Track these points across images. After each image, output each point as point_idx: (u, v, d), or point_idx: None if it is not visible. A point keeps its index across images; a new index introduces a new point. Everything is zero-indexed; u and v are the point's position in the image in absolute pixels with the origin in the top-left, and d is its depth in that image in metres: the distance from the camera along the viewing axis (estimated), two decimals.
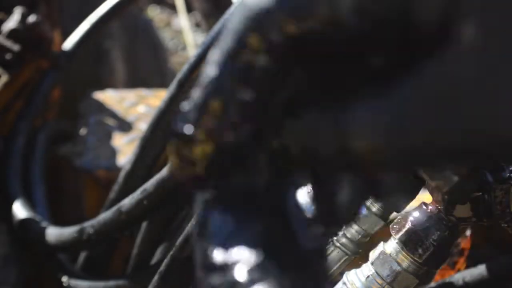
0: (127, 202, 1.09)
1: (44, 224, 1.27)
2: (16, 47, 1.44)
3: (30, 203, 1.35)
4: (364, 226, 0.78)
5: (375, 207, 0.78)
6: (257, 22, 0.42)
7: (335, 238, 0.75)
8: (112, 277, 1.22)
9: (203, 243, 0.44)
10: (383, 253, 0.76)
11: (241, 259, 0.42)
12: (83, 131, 1.60)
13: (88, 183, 1.50)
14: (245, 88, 0.43)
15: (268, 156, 0.45)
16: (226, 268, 0.42)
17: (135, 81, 2.15)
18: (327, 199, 0.47)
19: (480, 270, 0.90)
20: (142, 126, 1.60)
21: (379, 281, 0.76)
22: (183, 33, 3.04)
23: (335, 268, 0.79)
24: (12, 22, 1.46)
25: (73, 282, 1.25)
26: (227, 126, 0.43)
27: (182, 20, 2.42)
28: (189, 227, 0.97)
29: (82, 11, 1.70)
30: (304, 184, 0.47)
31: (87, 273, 1.29)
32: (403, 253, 0.75)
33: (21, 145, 1.44)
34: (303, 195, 0.48)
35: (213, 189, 0.45)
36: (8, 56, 1.44)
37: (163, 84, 2.13)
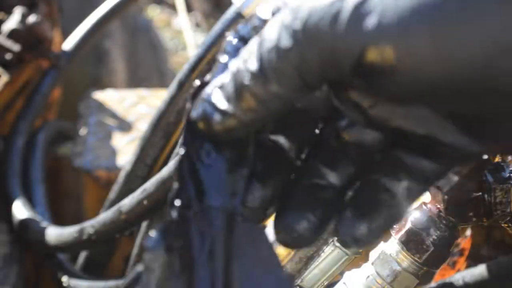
0: (127, 202, 1.09)
1: (44, 224, 1.27)
2: (16, 47, 1.44)
3: (30, 203, 1.35)
4: None
5: None
6: None
7: (335, 238, 0.75)
8: (112, 277, 1.22)
9: None
10: (383, 253, 0.76)
11: None
12: (83, 131, 1.60)
13: (88, 183, 1.50)
14: None
15: None
16: None
17: (135, 81, 2.15)
18: None
19: (480, 270, 0.90)
20: (142, 126, 1.60)
21: (379, 281, 0.76)
22: (183, 33, 3.04)
23: (335, 268, 0.79)
24: (12, 22, 1.46)
25: (73, 282, 1.25)
26: None
27: (182, 20, 2.41)
28: None
29: (82, 11, 1.70)
30: None
31: (87, 273, 1.29)
32: (403, 253, 0.75)
33: (21, 145, 1.44)
34: None
35: None
36: (8, 56, 1.44)
37: (163, 84, 2.13)
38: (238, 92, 0.47)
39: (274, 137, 0.52)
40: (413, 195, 0.51)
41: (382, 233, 0.51)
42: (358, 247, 0.51)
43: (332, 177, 0.51)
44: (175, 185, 0.49)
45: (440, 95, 0.44)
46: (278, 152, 0.52)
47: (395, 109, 0.47)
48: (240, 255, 0.48)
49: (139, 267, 0.47)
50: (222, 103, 0.48)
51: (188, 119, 0.49)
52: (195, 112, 0.49)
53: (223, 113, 0.48)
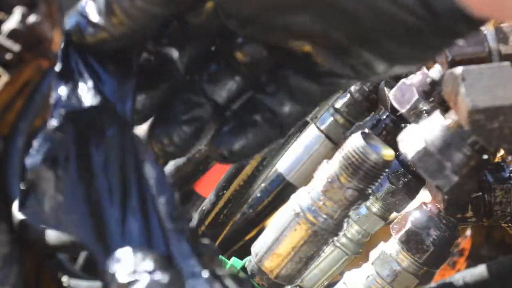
0: None
1: None
2: (16, 47, 1.44)
3: None
4: (364, 226, 0.78)
5: (375, 207, 0.78)
6: None
7: (335, 238, 0.75)
8: None
9: None
10: (383, 253, 0.76)
11: None
12: None
13: None
14: None
15: None
16: None
17: None
18: None
19: (480, 270, 0.90)
20: (141, 126, 1.59)
21: (379, 281, 0.76)
22: None
23: (335, 268, 0.79)
24: (12, 22, 1.46)
25: (73, 282, 1.25)
26: None
27: None
28: None
29: None
30: None
31: (87, 273, 1.29)
32: (403, 253, 0.75)
33: (21, 145, 1.44)
34: None
35: None
36: (8, 56, 1.44)
37: None
38: (108, 6, 0.50)
39: (167, 50, 0.54)
40: (295, 116, 0.53)
41: (257, 150, 0.53)
42: (231, 161, 0.54)
43: (214, 94, 0.54)
44: (52, 96, 0.50)
45: (258, 24, 0.49)
46: (167, 64, 0.54)
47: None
48: (131, 157, 0.50)
49: (21, 185, 0.47)
50: (94, 16, 0.50)
51: (63, 31, 0.52)
52: (69, 24, 0.51)
53: (94, 25, 0.50)
